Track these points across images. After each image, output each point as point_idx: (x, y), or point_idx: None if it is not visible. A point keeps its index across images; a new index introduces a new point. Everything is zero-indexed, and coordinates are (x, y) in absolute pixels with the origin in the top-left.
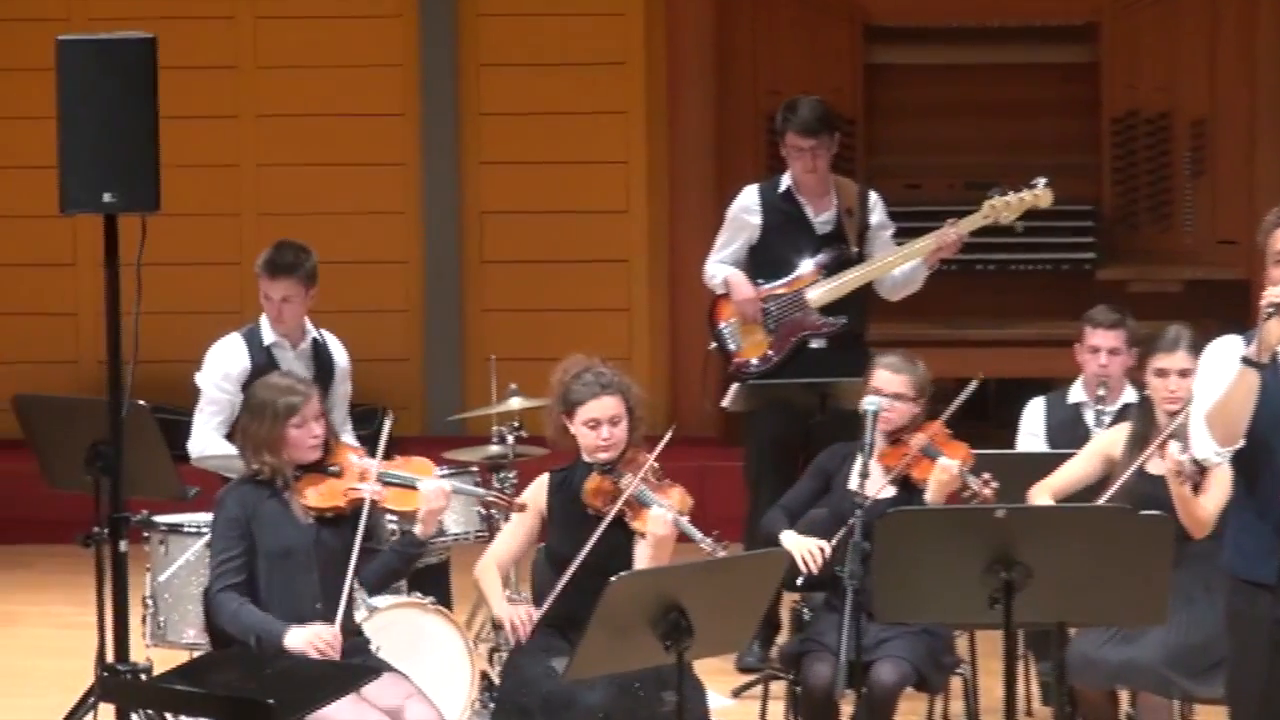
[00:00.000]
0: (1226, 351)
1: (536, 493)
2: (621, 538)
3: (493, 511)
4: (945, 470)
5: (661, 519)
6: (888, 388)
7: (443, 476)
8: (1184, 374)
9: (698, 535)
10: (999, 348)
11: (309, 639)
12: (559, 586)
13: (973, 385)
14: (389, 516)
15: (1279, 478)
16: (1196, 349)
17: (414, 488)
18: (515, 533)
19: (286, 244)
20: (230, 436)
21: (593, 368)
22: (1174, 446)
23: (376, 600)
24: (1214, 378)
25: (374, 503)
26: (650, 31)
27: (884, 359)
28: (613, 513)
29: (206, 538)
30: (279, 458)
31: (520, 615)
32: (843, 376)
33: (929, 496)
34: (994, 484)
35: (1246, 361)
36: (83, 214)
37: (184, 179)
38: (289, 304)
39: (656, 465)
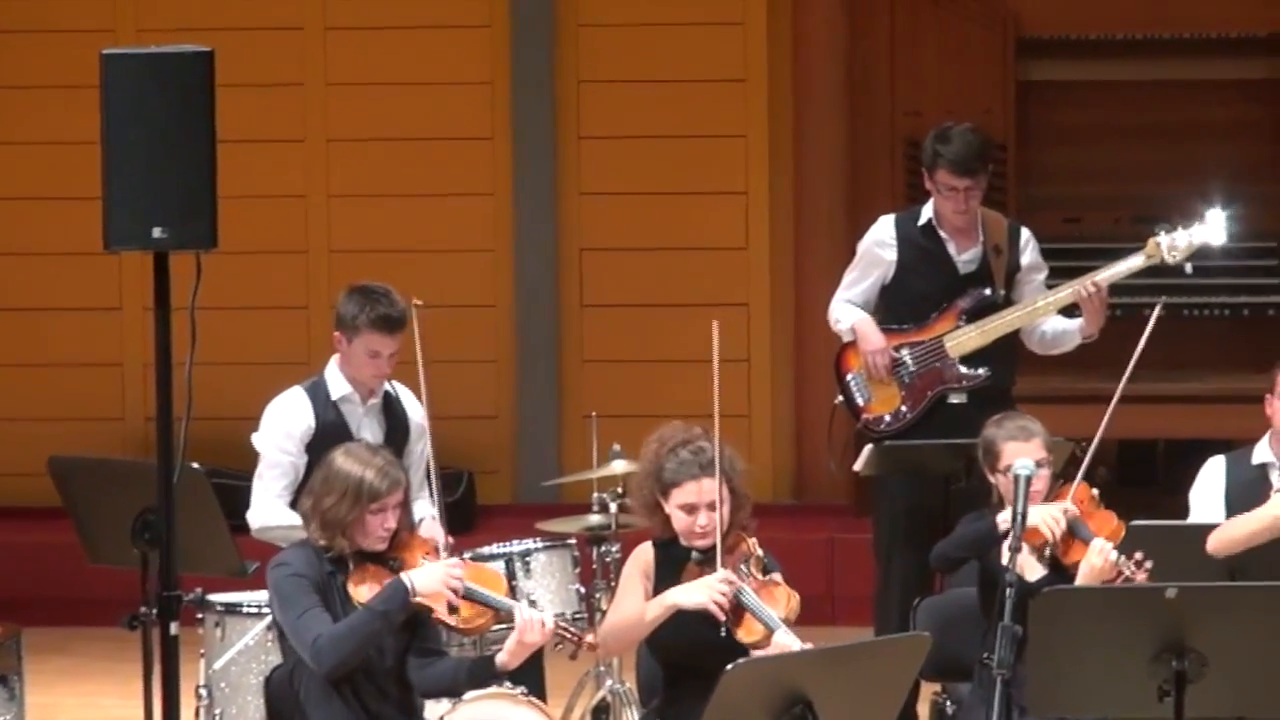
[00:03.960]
0: None
1: (642, 562)
2: (734, 641)
3: (595, 589)
4: (1101, 554)
5: (760, 633)
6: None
7: (536, 550)
8: None
9: (796, 647)
10: (1170, 404)
11: (440, 578)
12: None
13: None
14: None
15: None
16: None
17: (496, 609)
18: (635, 601)
19: (379, 291)
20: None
21: (692, 441)
22: None
23: None
24: None
25: (435, 617)
26: (774, 44)
27: (1002, 429)
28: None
29: (268, 619)
30: (348, 540)
31: (720, 589)
32: None
33: (1080, 584)
34: (1148, 565)
35: None
36: (130, 251)
37: (244, 212)
38: (393, 359)
39: (760, 554)
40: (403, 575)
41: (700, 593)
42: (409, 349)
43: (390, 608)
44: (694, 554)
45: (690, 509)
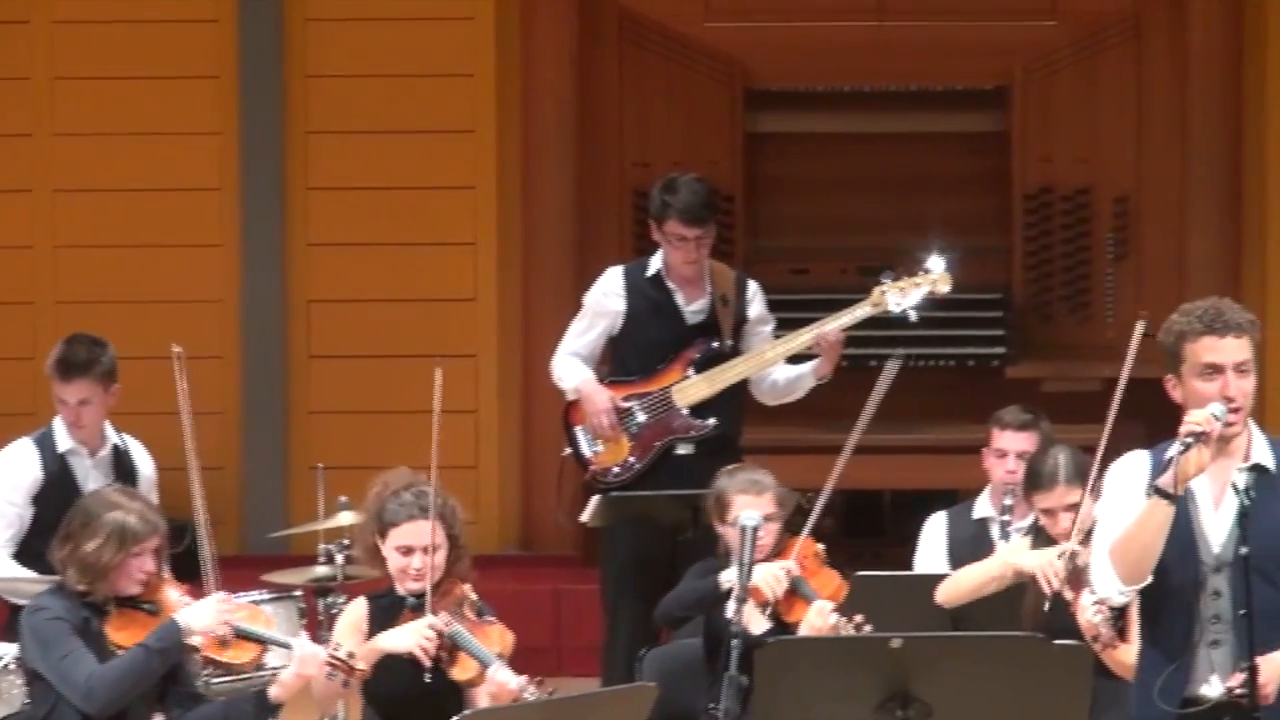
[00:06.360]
0: (1133, 473)
1: (355, 616)
2: (448, 683)
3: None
4: (820, 614)
5: (475, 670)
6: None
7: (262, 602)
8: (1071, 508)
9: (513, 684)
10: (895, 454)
11: (213, 615)
12: None
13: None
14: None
15: (1182, 615)
16: (1079, 472)
17: (266, 643)
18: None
19: (79, 339)
20: (22, 556)
21: (415, 485)
22: (1087, 606)
23: None
24: (1120, 504)
25: (203, 651)
26: (502, 95)
27: (734, 480)
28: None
29: None
30: (108, 584)
31: (427, 634)
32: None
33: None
34: (868, 627)
35: (1159, 492)
36: None
37: None
38: (87, 407)
39: (474, 598)
40: (175, 615)
41: (407, 637)
42: (132, 400)
43: (166, 645)
44: (409, 600)
45: (406, 550)
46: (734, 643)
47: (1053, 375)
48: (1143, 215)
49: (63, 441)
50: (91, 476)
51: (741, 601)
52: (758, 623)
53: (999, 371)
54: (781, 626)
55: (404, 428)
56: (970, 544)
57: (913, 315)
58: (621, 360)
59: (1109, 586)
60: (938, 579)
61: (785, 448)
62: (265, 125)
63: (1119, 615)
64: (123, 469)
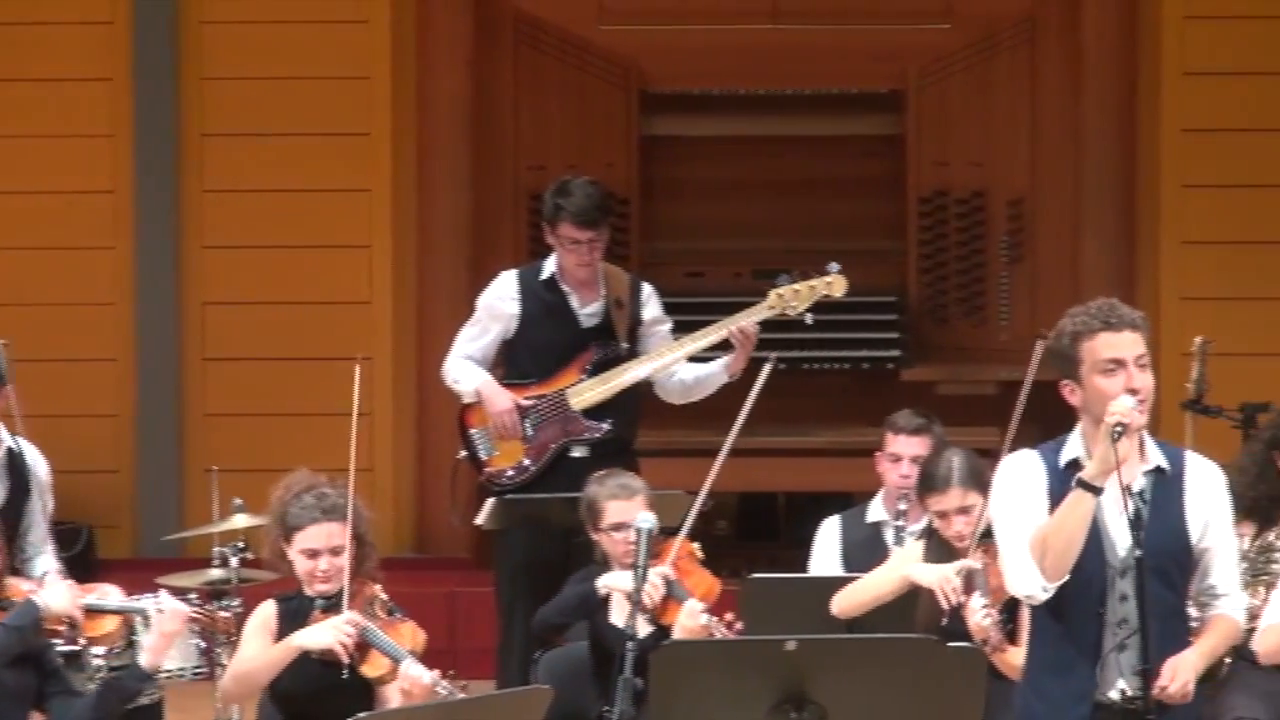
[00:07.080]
0: (1025, 471)
1: (264, 617)
2: (358, 681)
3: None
4: (692, 615)
5: (387, 667)
6: (624, 518)
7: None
8: (964, 511)
9: (426, 678)
10: (790, 457)
11: (69, 596)
12: None
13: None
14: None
15: (1090, 619)
16: (973, 475)
17: (126, 613)
18: (256, 649)
19: None
20: None
21: (316, 488)
22: (977, 609)
23: None
24: (1017, 502)
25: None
26: (398, 97)
27: (604, 487)
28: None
29: None
30: None
31: (346, 630)
32: None
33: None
34: (739, 626)
35: (1084, 485)
36: None
37: None
38: None
39: (385, 598)
40: (33, 596)
41: (326, 634)
42: (25, 404)
43: (23, 623)
44: (318, 601)
45: (312, 554)
46: (629, 645)
47: (947, 378)
48: (1037, 218)
49: None
50: None
51: (636, 604)
52: (640, 625)
53: (894, 374)
54: (658, 628)
55: (299, 430)
56: (864, 547)
57: (808, 318)
58: (516, 363)
59: (1030, 583)
60: (832, 582)
61: (679, 450)
62: (159, 127)
63: (1009, 619)
64: (17, 472)
